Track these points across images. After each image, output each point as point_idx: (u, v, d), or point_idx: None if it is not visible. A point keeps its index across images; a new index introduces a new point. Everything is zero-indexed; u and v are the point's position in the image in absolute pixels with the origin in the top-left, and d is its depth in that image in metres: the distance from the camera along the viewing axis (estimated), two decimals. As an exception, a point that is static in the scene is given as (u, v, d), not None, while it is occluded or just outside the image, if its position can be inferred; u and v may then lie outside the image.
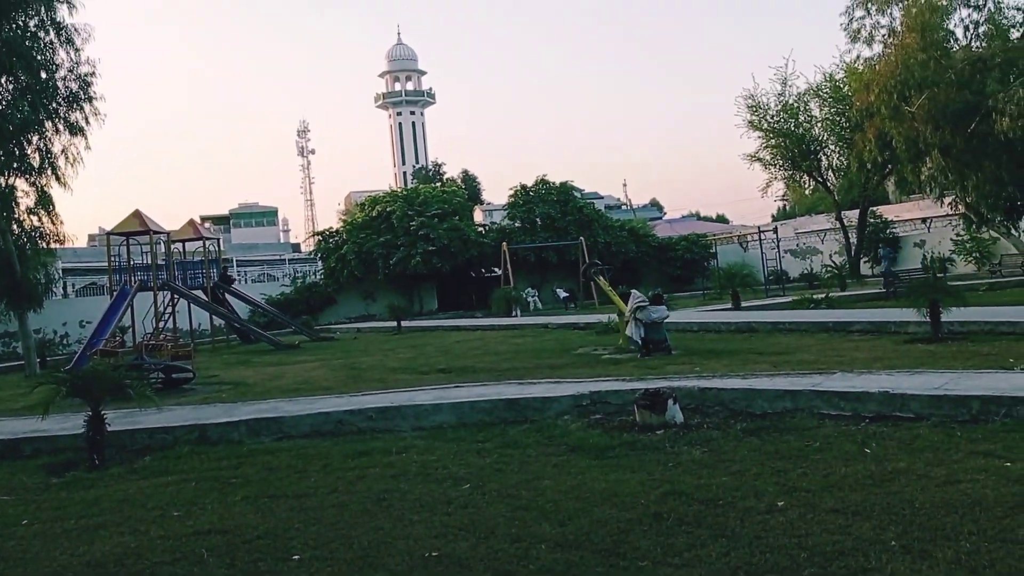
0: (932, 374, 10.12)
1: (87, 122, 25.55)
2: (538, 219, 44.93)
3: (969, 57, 29.63)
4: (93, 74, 25.64)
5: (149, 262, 30.23)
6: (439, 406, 10.62)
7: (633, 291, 16.81)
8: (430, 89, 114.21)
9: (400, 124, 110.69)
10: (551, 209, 44.72)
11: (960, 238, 38.20)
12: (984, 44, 30.26)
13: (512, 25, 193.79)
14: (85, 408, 9.63)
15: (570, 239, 42.86)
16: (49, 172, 25.25)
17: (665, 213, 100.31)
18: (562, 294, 41.22)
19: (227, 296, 33.79)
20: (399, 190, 51.84)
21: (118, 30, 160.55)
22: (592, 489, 6.80)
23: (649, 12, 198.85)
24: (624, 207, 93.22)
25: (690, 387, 10.30)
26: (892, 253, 28.84)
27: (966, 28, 30.99)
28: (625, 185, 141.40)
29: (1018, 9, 29.87)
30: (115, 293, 28.56)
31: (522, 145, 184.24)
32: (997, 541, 4.93)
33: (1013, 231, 33.04)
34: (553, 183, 46.24)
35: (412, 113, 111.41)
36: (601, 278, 23.35)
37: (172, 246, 32.37)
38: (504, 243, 41.10)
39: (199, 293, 32.01)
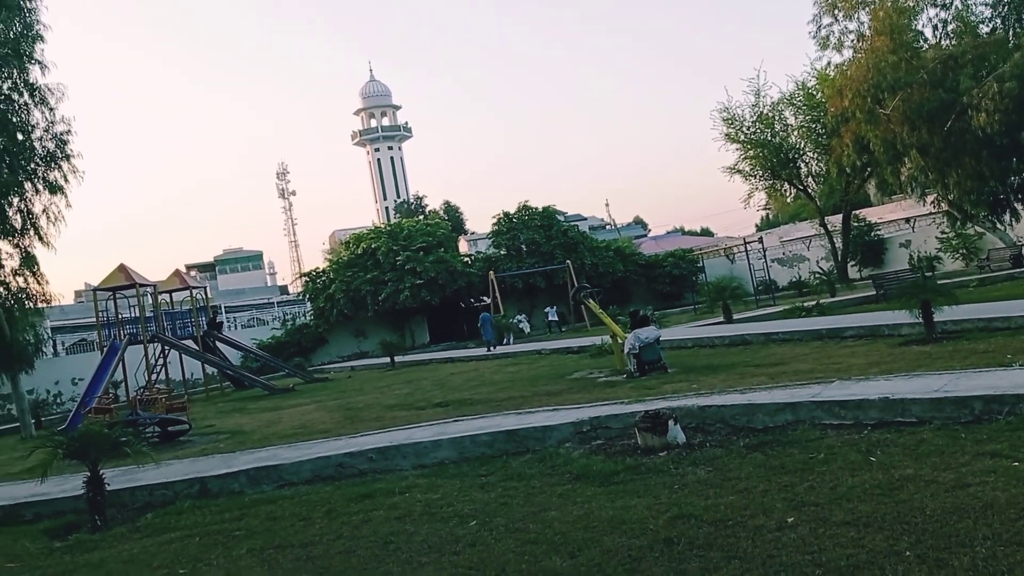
0: (930, 376, 10.05)
1: (66, 180, 25.44)
2: (523, 245, 45.02)
3: (940, 55, 29.90)
4: (69, 132, 25.55)
5: (137, 315, 30.09)
6: (439, 442, 10.52)
7: (649, 328, 16.33)
8: (406, 123, 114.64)
9: (379, 160, 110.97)
10: (535, 234, 44.84)
11: (945, 236, 38.39)
12: (954, 42, 30.56)
13: (482, 51, 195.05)
14: (83, 469, 9.52)
15: (556, 263, 42.92)
16: (32, 232, 25.07)
17: (650, 230, 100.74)
18: (552, 316, 41.17)
19: (218, 344, 33.66)
20: (383, 226, 51.90)
21: (94, 81, 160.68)
22: (600, 517, 6.72)
23: (623, 28, 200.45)
24: (608, 227, 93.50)
25: (690, 406, 10.23)
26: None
27: (935, 27, 31.34)
28: (608, 205, 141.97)
29: (986, 4, 30.22)
30: (105, 349, 28.40)
31: (502, 171, 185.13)
32: (1013, 544, 4.85)
33: (998, 225, 33.19)
34: (536, 208, 46.41)
35: (390, 148, 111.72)
36: (591, 300, 23.33)
37: (159, 297, 32.24)
38: (491, 271, 41.10)
39: (189, 342, 31.85)
